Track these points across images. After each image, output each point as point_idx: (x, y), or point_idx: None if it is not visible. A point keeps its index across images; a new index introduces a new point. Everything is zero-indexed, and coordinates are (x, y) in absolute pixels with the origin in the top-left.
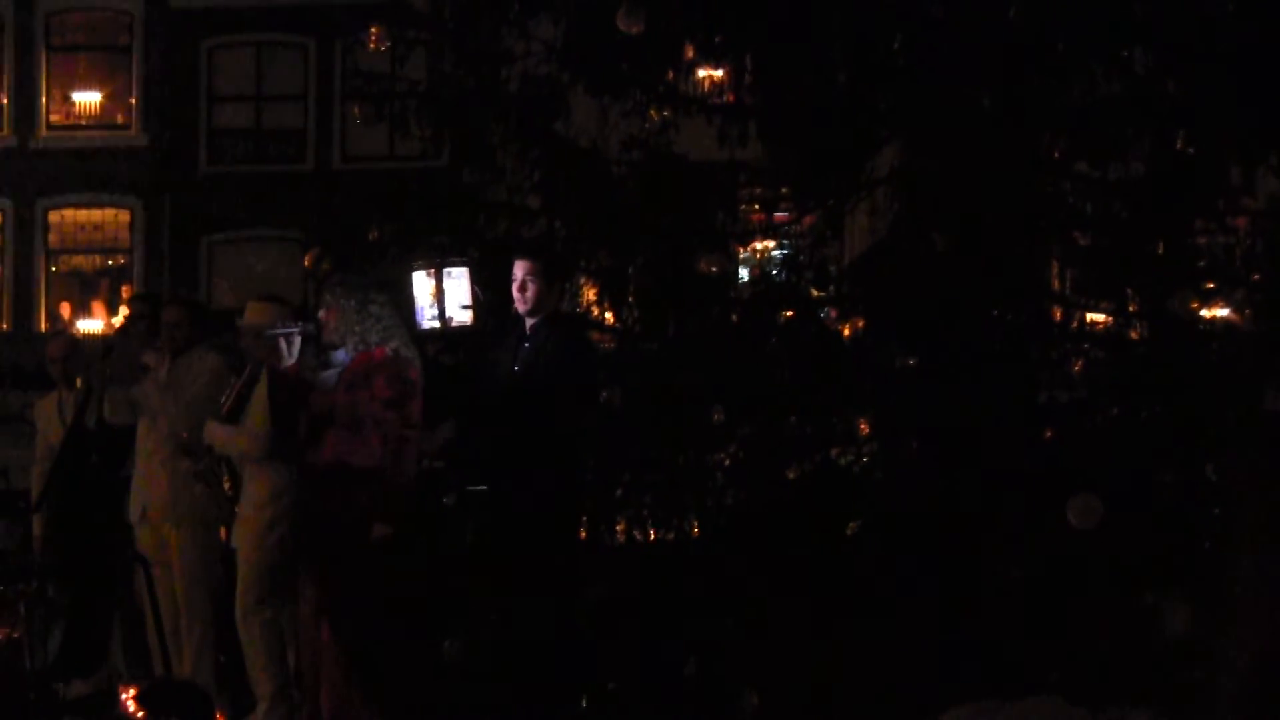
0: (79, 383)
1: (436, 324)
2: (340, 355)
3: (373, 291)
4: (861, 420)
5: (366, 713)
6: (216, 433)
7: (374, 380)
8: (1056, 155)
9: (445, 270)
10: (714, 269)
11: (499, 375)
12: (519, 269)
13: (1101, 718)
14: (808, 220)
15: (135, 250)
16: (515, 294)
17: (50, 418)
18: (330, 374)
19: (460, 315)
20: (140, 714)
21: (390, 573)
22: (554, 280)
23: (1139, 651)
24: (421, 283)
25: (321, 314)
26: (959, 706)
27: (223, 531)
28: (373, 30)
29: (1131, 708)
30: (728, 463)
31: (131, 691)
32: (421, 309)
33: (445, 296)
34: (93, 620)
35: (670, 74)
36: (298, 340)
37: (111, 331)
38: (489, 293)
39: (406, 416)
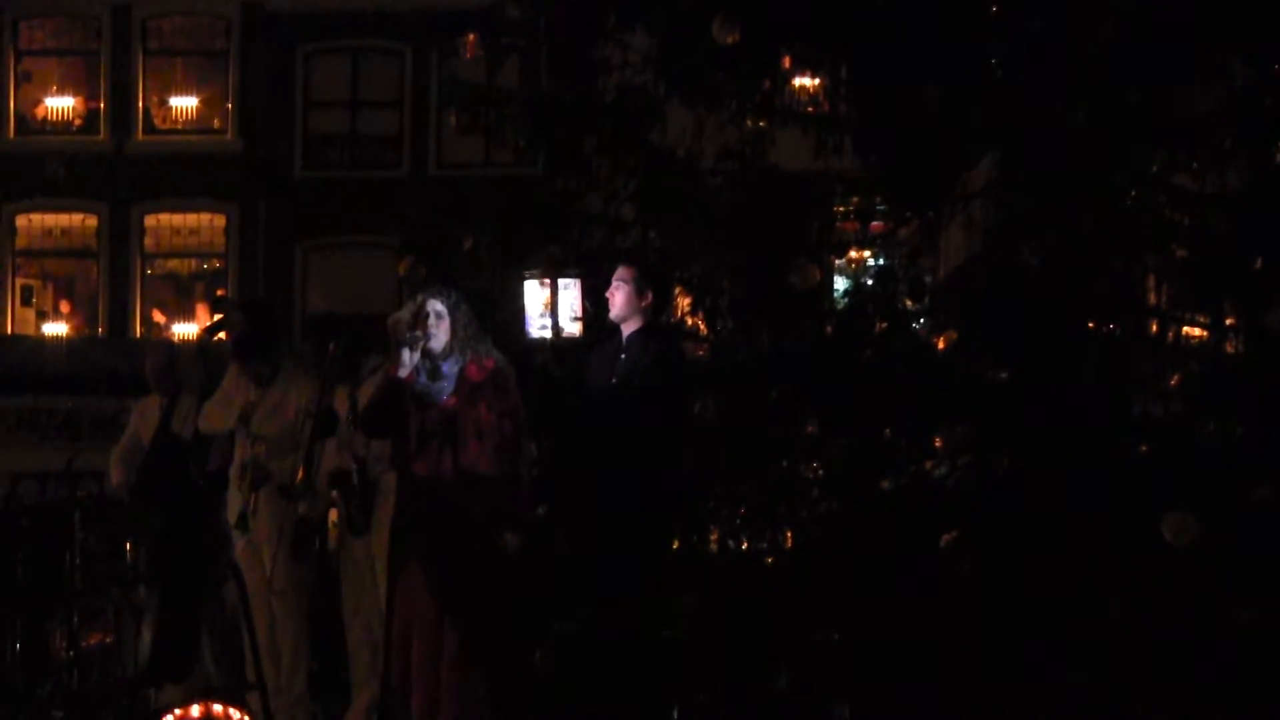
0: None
1: (548, 334)
2: (448, 365)
3: (465, 300)
4: (955, 433)
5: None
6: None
7: (493, 390)
8: (1154, 169)
9: (559, 280)
10: (808, 281)
11: (596, 386)
12: (614, 276)
13: None
14: (903, 232)
15: (230, 255)
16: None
17: (148, 418)
18: (442, 385)
19: (571, 326)
20: None
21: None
22: (644, 289)
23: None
24: (534, 292)
25: (430, 324)
26: None
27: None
28: (468, 38)
29: None
30: (821, 474)
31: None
32: (530, 318)
33: (558, 307)
34: (183, 626)
35: (766, 84)
36: (419, 350)
37: (203, 335)
38: (595, 304)
39: (521, 426)
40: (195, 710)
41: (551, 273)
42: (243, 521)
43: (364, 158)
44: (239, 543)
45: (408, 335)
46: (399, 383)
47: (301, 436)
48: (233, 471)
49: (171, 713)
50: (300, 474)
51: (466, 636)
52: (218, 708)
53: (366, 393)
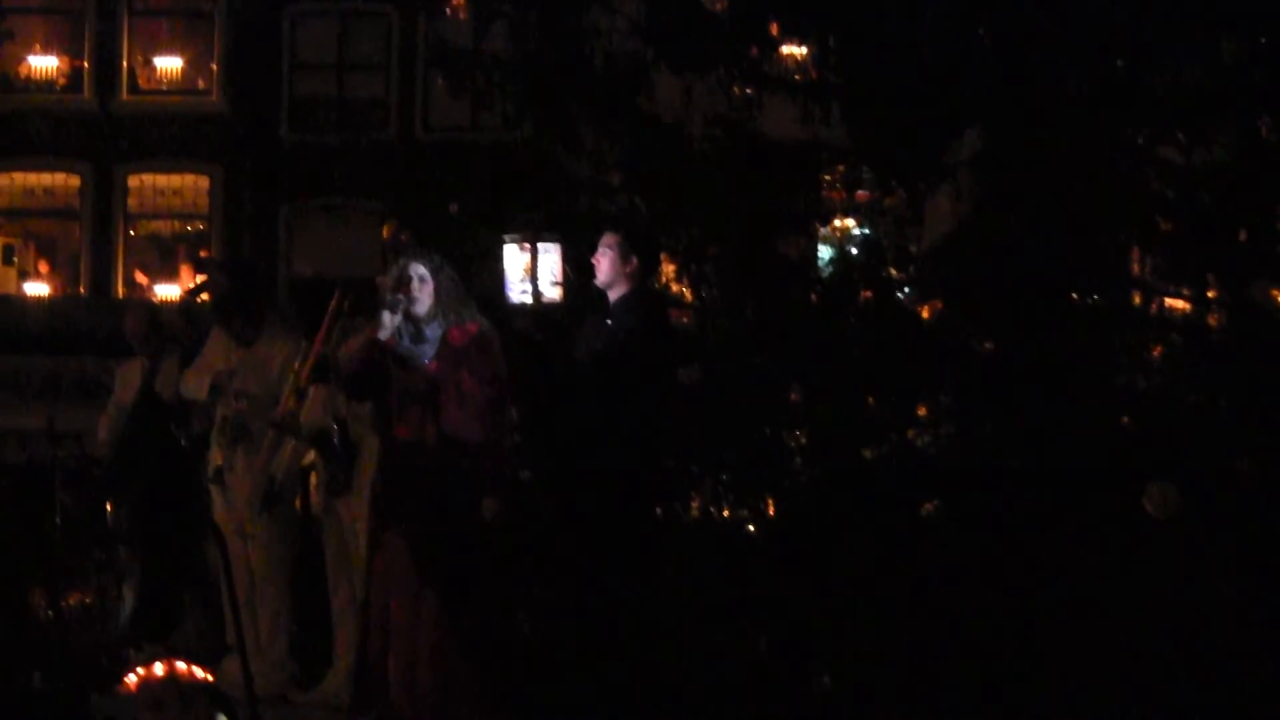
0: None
1: (528, 299)
2: (432, 329)
3: (449, 264)
4: (938, 402)
5: (470, 688)
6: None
7: (476, 355)
8: (1140, 141)
9: (539, 245)
10: (794, 252)
11: (584, 351)
12: (600, 242)
13: None
14: (889, 201)
15: (214, 217)
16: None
17: (130, 382)
18: (424, 349)
19: (551, 291)
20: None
21: (496, 548)
22: (629, 254)
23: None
24: (514, 256)
25: (413, 287)
26: None
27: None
28: (455, 0)
29: None
30: (804, 442)
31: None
32: (510, 282)
33: (538, 271)
34: (164, 587)
35: (754, 51)
36: (399, 313)
37: (186, 296)
38: (576, 270)
39: (503, 391)
40: (159, 669)
41: (531, 237)
42: (219, 475)
43: (350, 121)
44: (218, 504)
45: (388, 297)
46: (379, 344)
47: (294, 375)
48: (214, 430)
49: (135, 672)
50: (290, 402)
51: (445, 602)
52: (181, 666)
53: (348, 350)
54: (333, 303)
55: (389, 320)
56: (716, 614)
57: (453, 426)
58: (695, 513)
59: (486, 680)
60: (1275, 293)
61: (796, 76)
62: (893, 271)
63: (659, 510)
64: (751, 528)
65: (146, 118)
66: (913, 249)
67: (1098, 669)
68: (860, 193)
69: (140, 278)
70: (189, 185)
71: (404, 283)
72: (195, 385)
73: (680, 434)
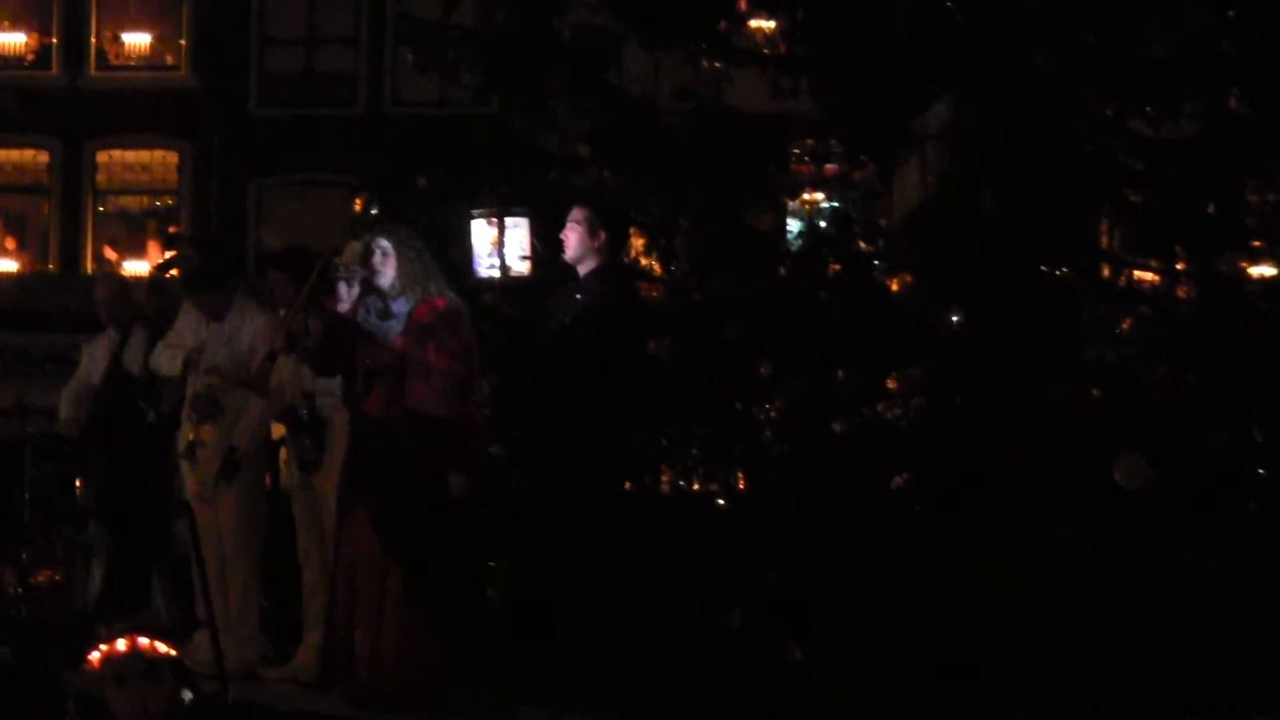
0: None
1: (496, 273)
2: (399, 305)
3: (417, 239)
4: (908, 375)
5: (435, 663)
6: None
7: (443, 331)
8: (1109, 113)
9: (506, 219)
10: (764, 223)
11: (552, 326)
12: (568, 218)
13: None
14: (858, 174)
15: (183, 192)
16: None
17: (98, 357)
18: (391, 325)
19: (519, 265)
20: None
21: (460, 521)
22: (596, 229)
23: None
24: (481, 231)
25: (376, 261)
26: None
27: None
28: None
29: None
30: (774, 416)
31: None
32: (478, 257)
33: (505, 246)
34: (133, 563)
35: (723, 25)
36: (357, 286)
37: (155, 272)
38: (545, 244)
39: (473, 366)
40: (122, 644)
41: (499, 211)
42: (190, 452)
43: (319, 95)
44: (189, 480)
45: (342, 270)
46: (339, 317)
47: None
48: (185, 406)
49: (98, 648)
50: (262, 362)
51: (411, 578)
52: (144, 641)
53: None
54: (314, 273)
55: (345, 292)
56: (688, 588)
57: (420, 402)
58: (666, 486)
59: (452, 656)
60: (1243, 264)
61: (765, 50)
62: (862, 244)
63: (629, 484)
64: (722, 501)
65: (115, 93)
66: (882, 222)
67: (1070, 638)
68: (829, 166)
69: (109, 254)
70: (158, 161)
71: (367, 256)
72: (167, 361)
73: (650, 408)
